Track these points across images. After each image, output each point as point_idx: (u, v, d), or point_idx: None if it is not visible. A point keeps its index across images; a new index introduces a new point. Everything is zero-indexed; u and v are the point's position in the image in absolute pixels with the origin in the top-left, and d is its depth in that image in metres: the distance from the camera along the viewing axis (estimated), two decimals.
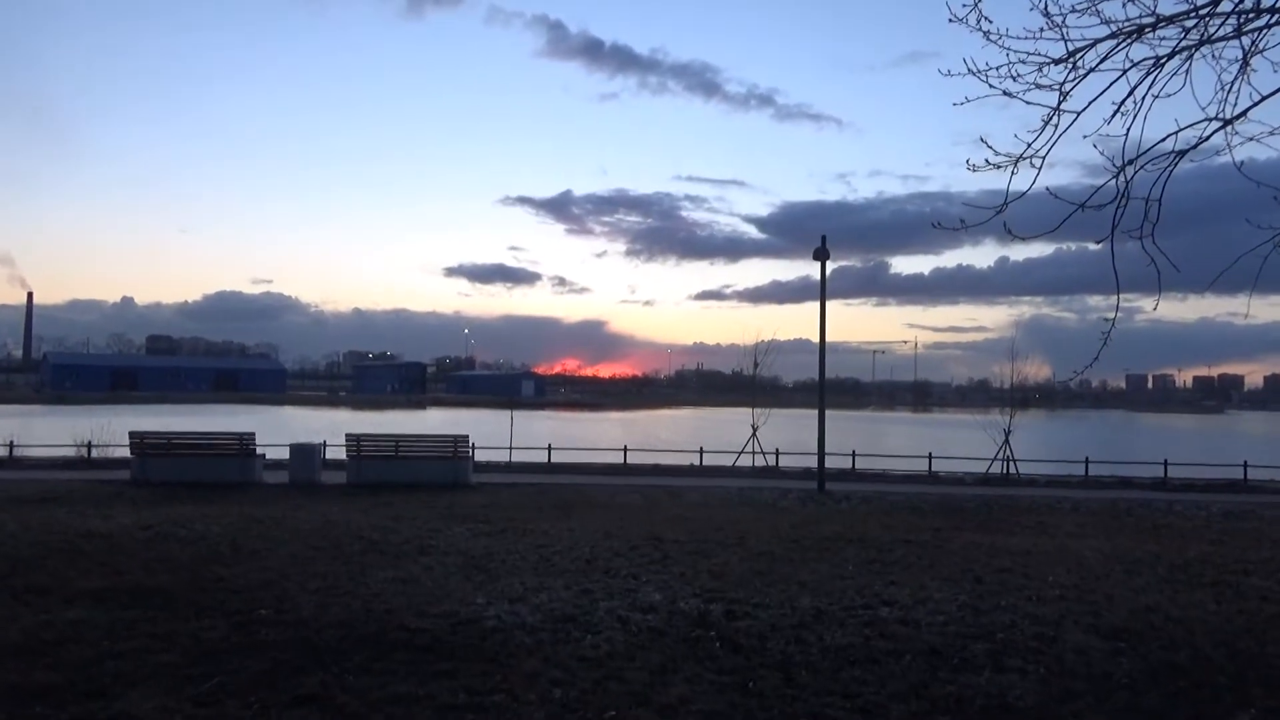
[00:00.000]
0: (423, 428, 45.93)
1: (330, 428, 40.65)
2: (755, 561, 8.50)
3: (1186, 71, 3.50)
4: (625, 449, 23.25)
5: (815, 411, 18.76)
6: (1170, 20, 3.46)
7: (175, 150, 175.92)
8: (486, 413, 74.62)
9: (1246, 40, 3.43)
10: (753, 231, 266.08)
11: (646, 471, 20.81)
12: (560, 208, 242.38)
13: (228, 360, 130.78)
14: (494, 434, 40.23)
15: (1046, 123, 3.72)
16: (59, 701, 4.39)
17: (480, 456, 22.42)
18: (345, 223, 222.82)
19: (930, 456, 22.24)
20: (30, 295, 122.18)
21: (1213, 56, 3.50)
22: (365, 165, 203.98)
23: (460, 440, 16.65)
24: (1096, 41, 3.53)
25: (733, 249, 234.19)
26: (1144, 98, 3.53)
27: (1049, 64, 3.58)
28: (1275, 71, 3.44)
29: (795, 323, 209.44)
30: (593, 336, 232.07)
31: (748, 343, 24.76)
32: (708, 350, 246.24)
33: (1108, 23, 3.50)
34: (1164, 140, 3.58)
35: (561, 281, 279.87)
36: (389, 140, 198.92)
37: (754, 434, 23.47)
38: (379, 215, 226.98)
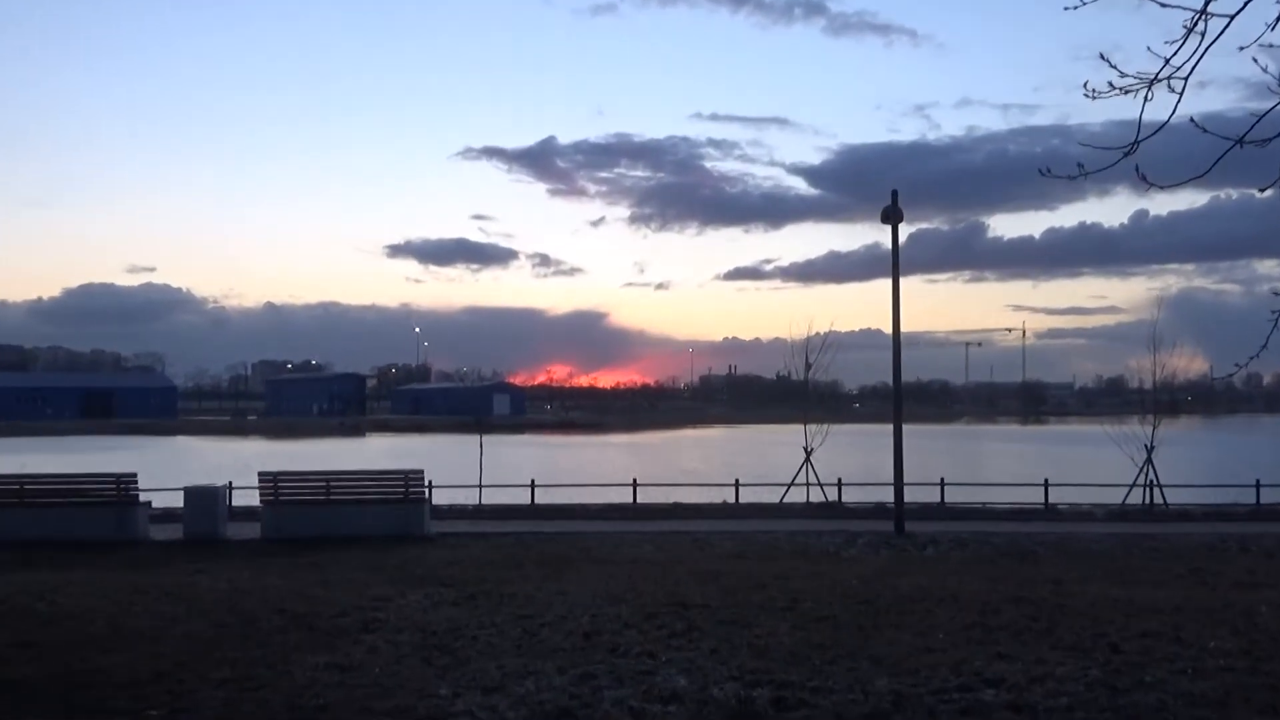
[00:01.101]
0: (363, 462, 46.50)
1: (238, 464, 40.91)
2: (812, 631, 8.48)
3: None
4: (635, 484, 23.32)
5: (889, 427, 18.81)
6: None
7: (21, 102, 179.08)
8: (447, 439, 75.17)
9: None
10: (800, 186, 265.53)
11: (664, 514, 20.87)
12: (541, 161, 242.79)
13: (99, 376, 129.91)
14: (458, 468, 40.68)
15: (1190, 29, 3.60)
16: None
17: (440, 498, 22.64)
18: (254, 192, 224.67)
19: (1046, 484, 22.19)
20: None
21: None
22: (279, 117, 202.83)
23: (413, 477, 16.74)
24: None
25: (774, 211, 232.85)
26: None
27: None
28: None
29: (860, 308, 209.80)
30: (588, 333, 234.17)
31: (796, 337, 24.77)
32: (743, 348, 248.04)
33: None
34: None
35: (544, 260, 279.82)
36: (309, 83, 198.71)
37: (807, 459, 23.52)
38: (299, 180, 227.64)
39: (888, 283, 18.06)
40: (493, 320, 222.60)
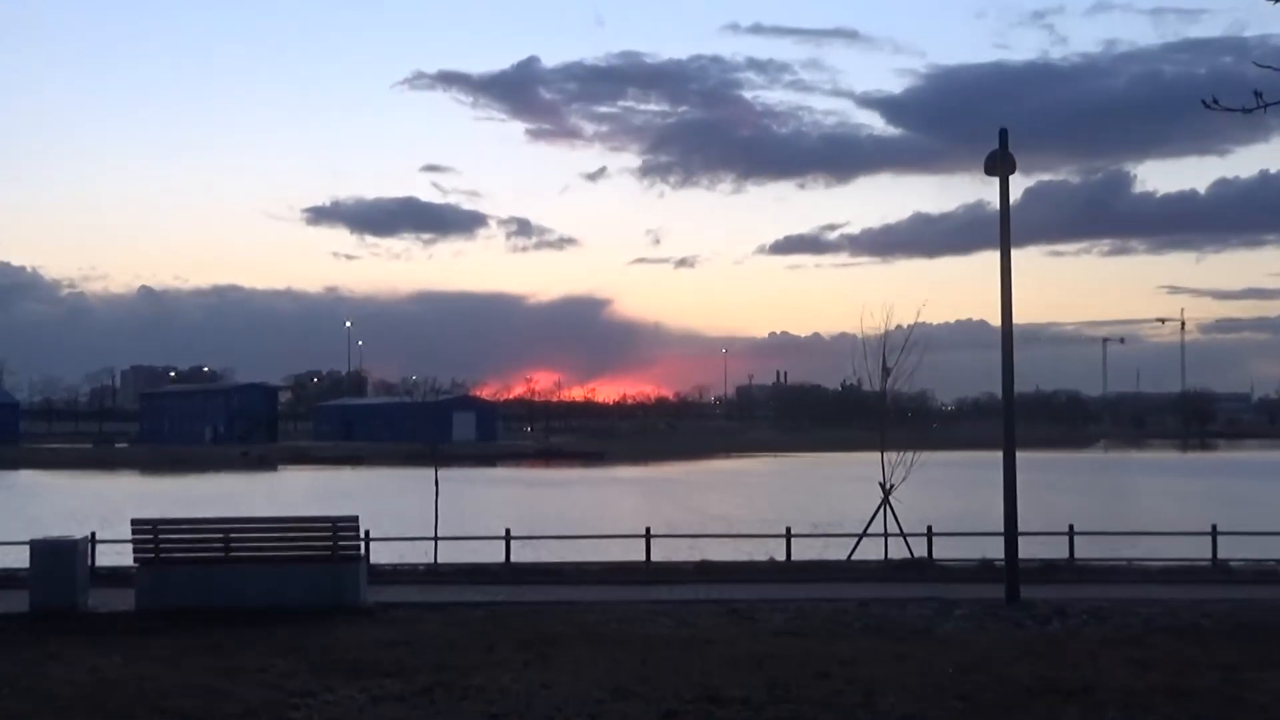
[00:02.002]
0: (276, 506, 46.62)
1: (104, 509, 40.62)
2: None
3: None
4: (649, 535, 23.37)
5: (997, 455, 18.77)
6: None
7: None
8: (390, 474, 78.10)
9: None
10: (875, 124, 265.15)
11: (688, 575, 20.92)
12: (517, 92, 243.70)
13: None
14: (405, 514, 40.74)
15: None
16: None
17: (381, 555, 23.03)
18: (123, 141, 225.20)
19: (1215, 533, 22.21)
20: None
21: None
22: (155, 43, 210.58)
23: (344, 527, 16.81)
24: None
25: (840, 158, 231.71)
26: None
27: None
28: None
29: (957, 292, 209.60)
30: (584, 329, 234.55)
31: (870, 332, 24.71)
32: (796, 347, 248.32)
33: None
34: None
35: (523, 228, 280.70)
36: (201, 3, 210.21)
37: (885, 500, 23.51)
38: (185, 124, 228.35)
39: (994, 257, 18.04)
40: (453, 311, 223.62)
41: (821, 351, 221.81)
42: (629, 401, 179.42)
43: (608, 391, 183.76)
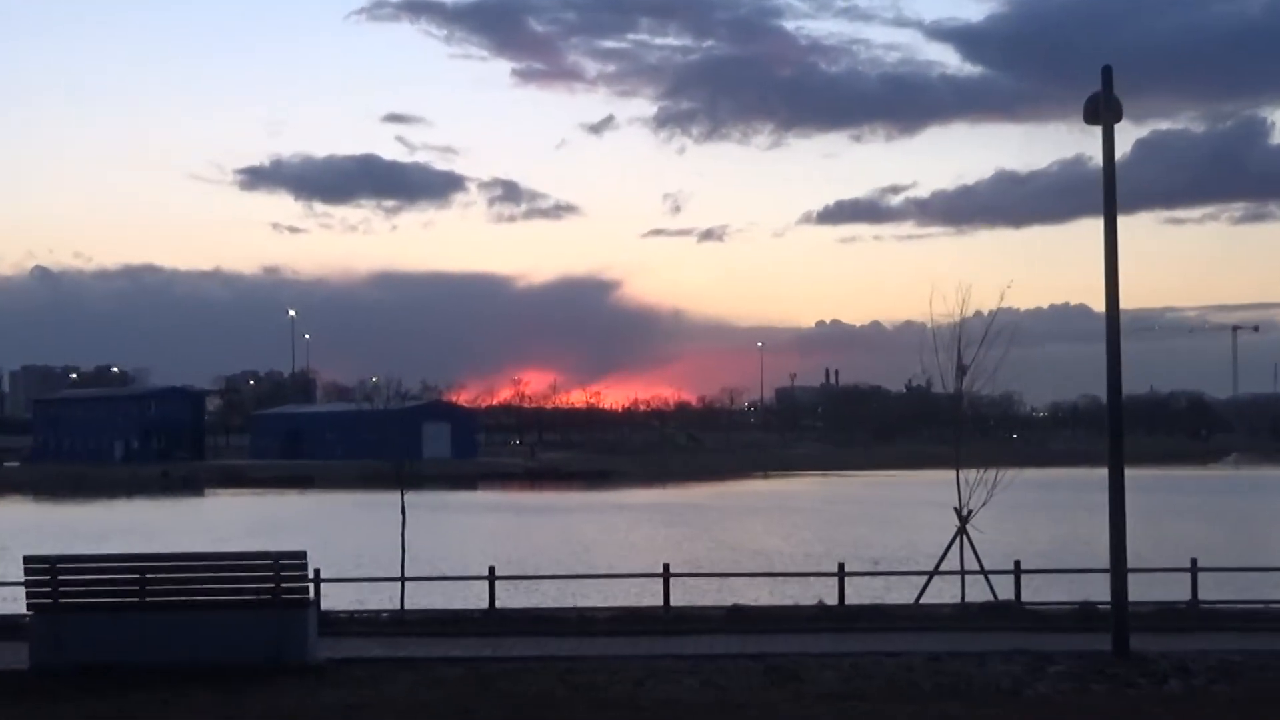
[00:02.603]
0: (204, 539, 46.91)
1: None
2: None
3: None
4: (667, 574, 23.41)
5: (1101, 472, 18.78)
6: None
7: None
8: (345, 498, 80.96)
9: None
10: (948, 61, 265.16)
11: (716, 623, 21.00)
12: (503, 23, 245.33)
13: None
14: (364, 548, 41.12)
15: None
16: None
17: (335, 599, 23.47)
18: (11, 87, 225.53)
19: None
20: None
21: None
22: None
23: (289, 565, 16.84)
24: None
25: (905, 104, 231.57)
26: None
27: None
28: None
29: (1051, 270, 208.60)
30: (588, 316, 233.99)
31: (942, 319, 24.69)
32: (850, 340, 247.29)
33: None
34: None
35: (510, 192, 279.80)
36: None
37: (962, 530, 23.49)
38: (89, 66, 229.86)
39: (1096, 225, 17.97)
40: (423, 297, 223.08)
41: (882, 345, 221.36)
42: (642, 409, 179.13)
43: (615, 396, 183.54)
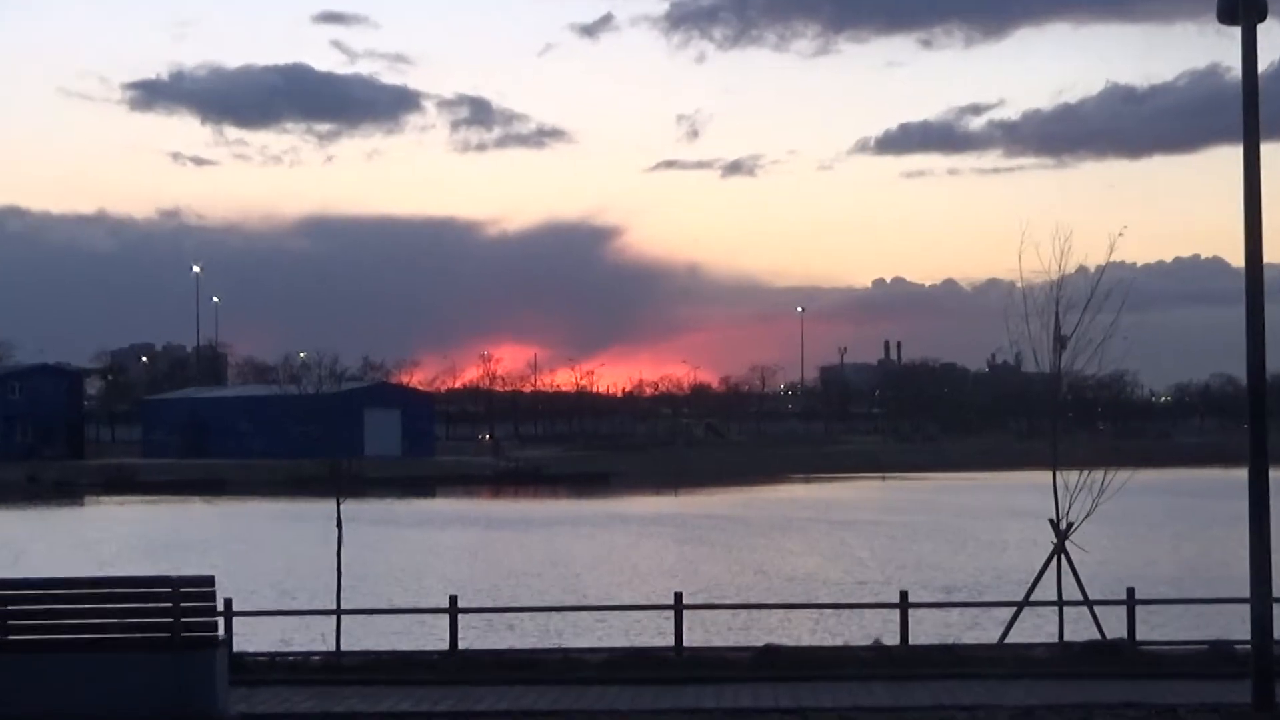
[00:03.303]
0: (83, 561, 46.59)
1: None
2: None
3: None
4: (679, 605, 23.34)
5: (1239, 475, 18.70)
6: None
7: None
8: (265, 508, 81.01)
9: None
10: None
11: (742, 668, 20.94)
12: None
13: None
14: (290, 572, 40.89)
15: None
16: None
17: (252, 638, 23.54)
18: None
19: None
20: None
21: None
22: None
23: (192, 593, 16.79)
24: None
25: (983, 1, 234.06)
26: None
27: None
28: None
29: (1176, 213, 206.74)
30: (579, 273, 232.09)
31: (1035, 277, 24.50)
32: (914, 303, 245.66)
33: None
34: None
35: (480, 113, 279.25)
36: None
37: (1060, 549, 23.42)
38: None
39: (1234, 155, 17.81)
40: (365, 248, 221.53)
41: (957, 310, 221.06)
42: (648, 393, 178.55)
43: (614, 377, 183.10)
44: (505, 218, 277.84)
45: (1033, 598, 23.58)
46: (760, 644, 22.99)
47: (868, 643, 23.47)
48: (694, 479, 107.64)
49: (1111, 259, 24.58)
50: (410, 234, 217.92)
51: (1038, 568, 23.89)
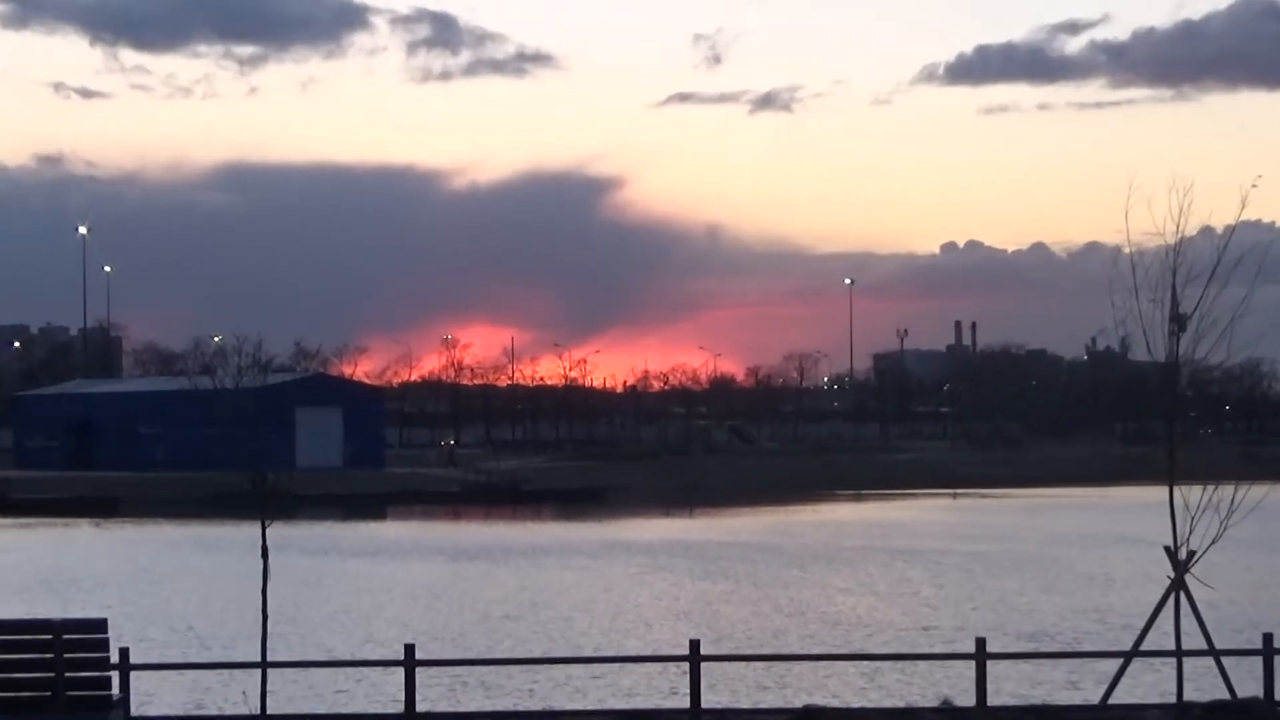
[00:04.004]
0: None
1: None
2: None
3: None
4: (695, 655, 23.46)
5: None
6: None
7: None
8: (168, 531, 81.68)
9: None
10: None
11: None
12: None
13: None
14: (203, 615, 40.70)
15: None
16: None
17: (153, 696, 23.67)
18: None
19: None
20: None
21: None
22: None
23: (78, 640, 17.02)
24: None
25: None
26: None
27: None
28: None
29: None
30: (569, 235, 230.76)
31: (1148, 239, 24.53)
32: (994, 273, 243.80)
33: None
34: None
35: (444, 31, 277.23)
36: None
37: (1178, 585, 23.48)
38: None
39: None
40: (299, 204, 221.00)
41: (1048, 283, 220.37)
42: (655, 387, 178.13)
43: (613, 367, 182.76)
44: (476, 166, 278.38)
45: (1144, 646, 23.64)
46: (798, 705, 23.18)
47: (935, 704, 23.64)
48: (714, 496, 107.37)
49: (1243, 217, 24.52)
50: (355, 186, 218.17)
51: (1150, 609, 23.98)
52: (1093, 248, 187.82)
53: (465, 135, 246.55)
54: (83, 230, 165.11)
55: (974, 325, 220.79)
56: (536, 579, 56.50)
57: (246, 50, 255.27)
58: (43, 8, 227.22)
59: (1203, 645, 23.26)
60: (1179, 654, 23.20)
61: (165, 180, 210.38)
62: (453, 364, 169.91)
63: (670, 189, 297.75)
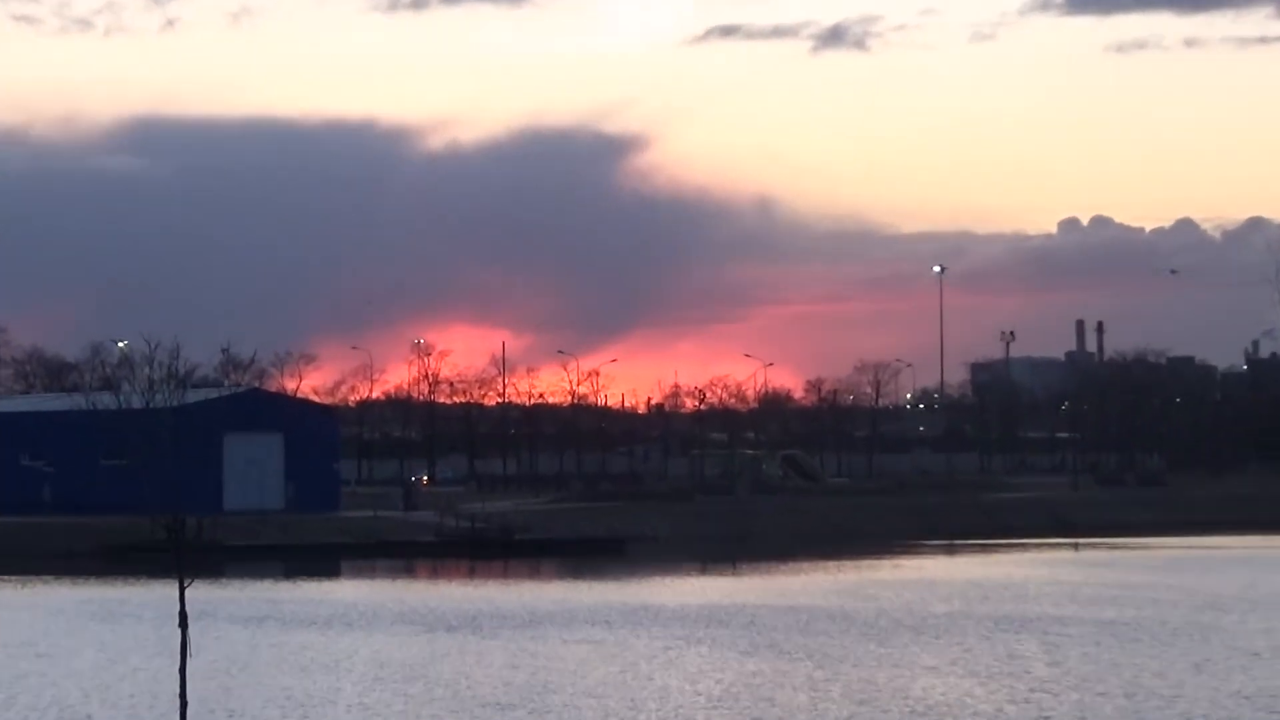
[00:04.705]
0: None
1: None
2: None
3: None
4: None
5: None
6: None
7: None
8: (52, 595, 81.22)
9: None
10: None
11: None
12: None
13: None
14: (102, 706, 40.56)
15: None
16: None
17: None
18: None
19: None
20: None
21: None
22: None
23: None
24: None
25: None
26: None
27: None
28: None
29: None
30: (577, 210, 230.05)
31: None
32: (1127, 257, 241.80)
33: None
34: None
35: None
36: None
37: None
38: None
39: None
40: (229, 167, 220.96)
41: (1197, 269, 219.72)
42: (688, 406, 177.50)
43: (634, 379, 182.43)
44: (457, 120, 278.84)
45: None
46: None
47: None
48: (764, 548, 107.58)
49: None
50: (300, 148, 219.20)
51: None
52: (1255, 225, 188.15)
53: (444, 80, 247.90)
54: None
55: (1100, 326, 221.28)
56: (536, 656, 56.43)
57: None
58: None
59: None
60: None
61: (56, 139, 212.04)
62: (426, 377, 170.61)
63: (708, 150, 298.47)
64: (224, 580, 55.63)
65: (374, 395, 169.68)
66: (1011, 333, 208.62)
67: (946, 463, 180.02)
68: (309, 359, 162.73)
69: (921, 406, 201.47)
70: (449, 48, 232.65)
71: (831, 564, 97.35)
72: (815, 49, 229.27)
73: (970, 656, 55.29)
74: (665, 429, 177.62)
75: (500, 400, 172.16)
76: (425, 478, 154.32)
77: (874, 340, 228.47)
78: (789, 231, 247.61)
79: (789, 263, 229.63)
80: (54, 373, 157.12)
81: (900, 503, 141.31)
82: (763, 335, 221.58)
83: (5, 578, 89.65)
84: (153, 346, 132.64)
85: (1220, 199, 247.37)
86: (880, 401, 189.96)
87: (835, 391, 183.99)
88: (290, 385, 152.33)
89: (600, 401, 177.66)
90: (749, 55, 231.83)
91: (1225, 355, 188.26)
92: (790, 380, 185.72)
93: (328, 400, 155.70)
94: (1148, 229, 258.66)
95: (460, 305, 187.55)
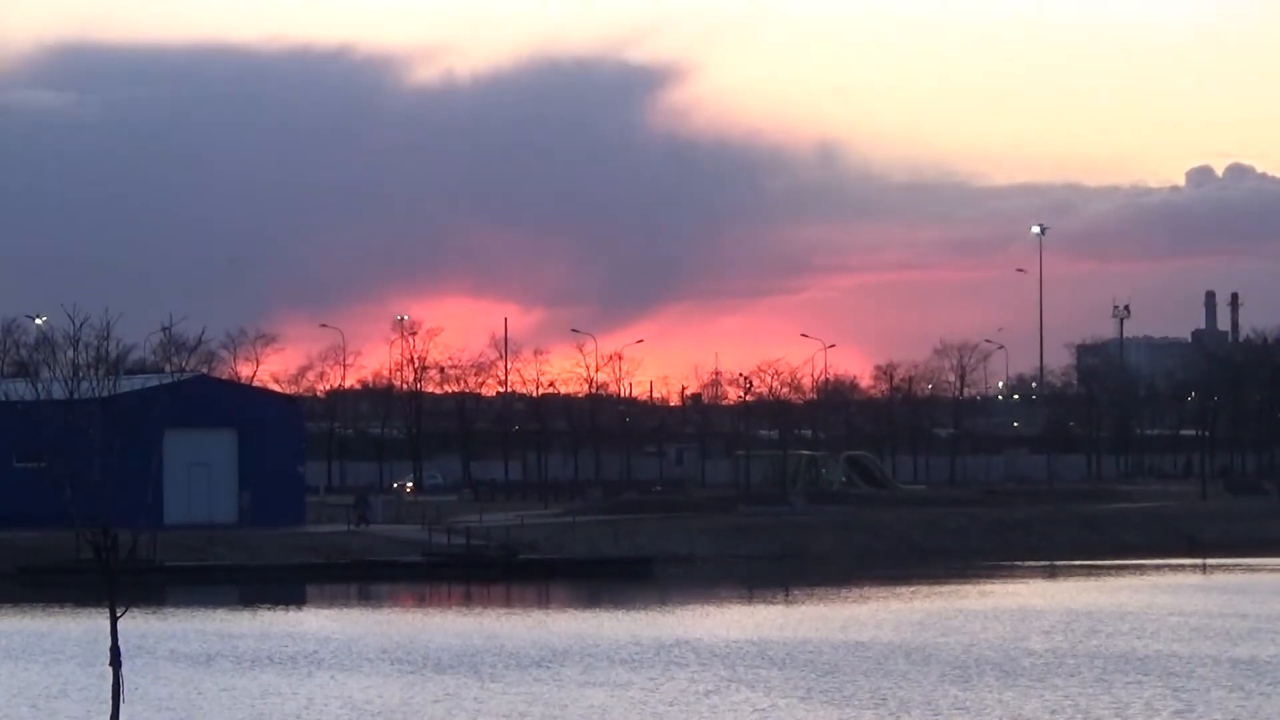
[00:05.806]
0: None
1: None
2: None
3: None
4: None
5: None
6: None
7: None
8: None
9: None
10: None
11: None
12: None
13: None
14: None
15: None
16: None
17: None
18: None
19: None
20: None
21: None
22: None
23: None
24: None
25: None
26: None
27: None
28: None
29: None
30: (595, 154, 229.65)
31: None
32: (1268, 217, 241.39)
33: None
34: None
35: None
36: None
37: None
38: None
39: None
40: (173, 103, 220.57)
41: None
42: (729, 398, 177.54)
43: (663, 365, 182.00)
44: (453, 48, 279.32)
45: None
46: None
47: None
48: (824, 570, 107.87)
49: None
50: (260, 81, 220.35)
51: None
52: None
53: (432, 7, 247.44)
54: None
55: (1234, 299, 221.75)
56: (547, 704, 56.55)
57: None
58: None
59: None
60: None
61: None
62: (412, 361, 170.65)
63: (756, 85, 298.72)
64: (165, 609, 55.62)
65: (348, 384, 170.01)
66: (1127, 307, 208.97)
67: (1046, 466, 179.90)
68: (268, 339, 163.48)
69: (1016, 398, 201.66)
70: None
71: (905, 590, 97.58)
72: None
73: (1077, 703, 55.36)
74: (703, 425, 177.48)
75: (501, 390, 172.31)
76: (409, 484, 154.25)
77: (959, 317, 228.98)
78: (857, 184, 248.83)
79: (856, 222, 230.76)
80: None
81: (989, 515, 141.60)
82: (823, 310, 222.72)
83: None
84: (78, 324, 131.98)
85: None
86: (966, 392, 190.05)
87: (910, 379, 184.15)
88: (245, 371, 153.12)
89: (624, 392, 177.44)
90: None
91: None
92: (856, 365, 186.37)
93: (291, 390, 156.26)
94: None
95: (453, 274, 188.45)
